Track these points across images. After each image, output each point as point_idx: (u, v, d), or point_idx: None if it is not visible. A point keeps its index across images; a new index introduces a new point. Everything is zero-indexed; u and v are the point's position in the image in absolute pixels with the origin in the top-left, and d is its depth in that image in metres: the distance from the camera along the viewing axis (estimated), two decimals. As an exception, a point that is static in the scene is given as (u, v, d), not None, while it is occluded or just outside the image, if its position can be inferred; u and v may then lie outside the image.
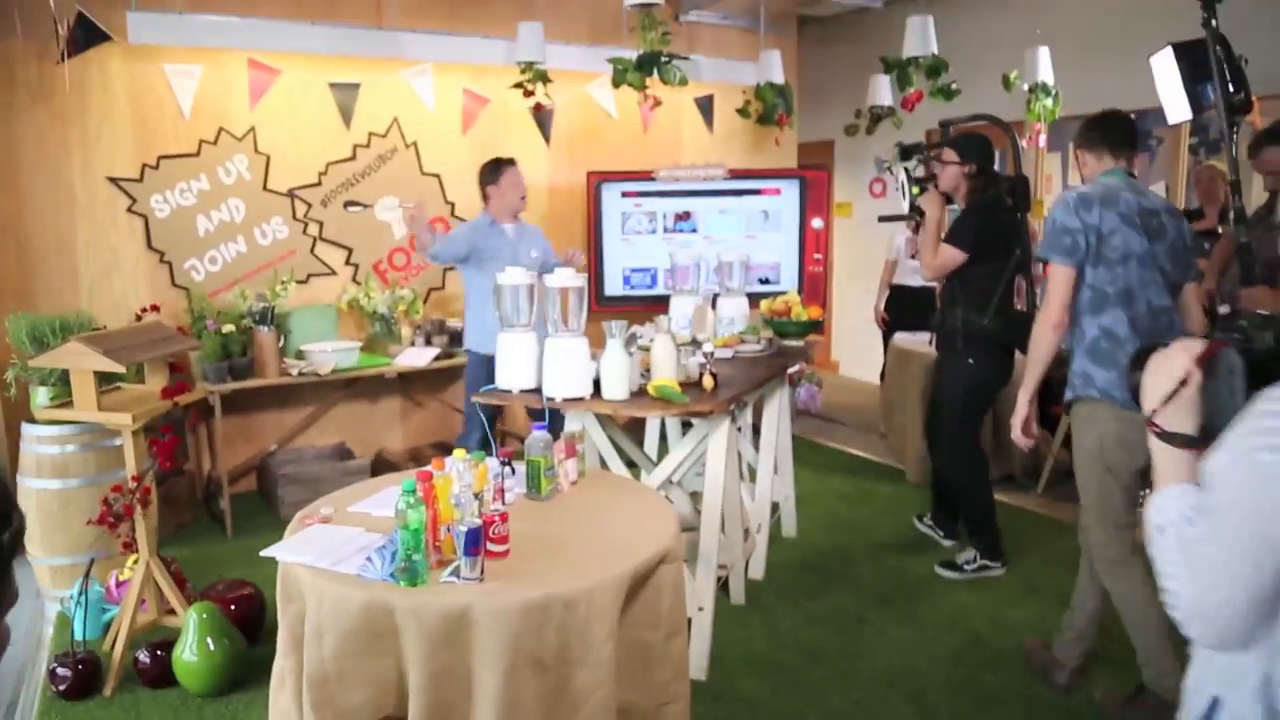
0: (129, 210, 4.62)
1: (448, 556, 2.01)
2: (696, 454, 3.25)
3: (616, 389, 2.92)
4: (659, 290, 5.59)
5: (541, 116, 5.51)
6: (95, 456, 3.62)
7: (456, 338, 5.14)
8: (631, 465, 3.53)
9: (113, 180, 4.57)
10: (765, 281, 5.75)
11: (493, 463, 2.49)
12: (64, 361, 3.00)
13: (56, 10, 4.04)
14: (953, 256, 3.72)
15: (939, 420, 4.06)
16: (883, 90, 5.82)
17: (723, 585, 3.54)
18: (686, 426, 3.71)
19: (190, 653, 2.96)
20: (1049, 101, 5.61)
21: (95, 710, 2.95)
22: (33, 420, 3.59)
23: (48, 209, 4.45)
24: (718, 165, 5.77)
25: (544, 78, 4.94)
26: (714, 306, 4.14)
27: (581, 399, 2.96)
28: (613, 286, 5.82)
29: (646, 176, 5.72)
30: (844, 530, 4.45)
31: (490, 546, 2.04)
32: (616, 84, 4.69)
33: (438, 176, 5.40)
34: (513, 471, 2.55)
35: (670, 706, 2.15)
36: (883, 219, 4.62)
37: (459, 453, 2.29)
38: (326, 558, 2.04)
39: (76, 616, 3.32)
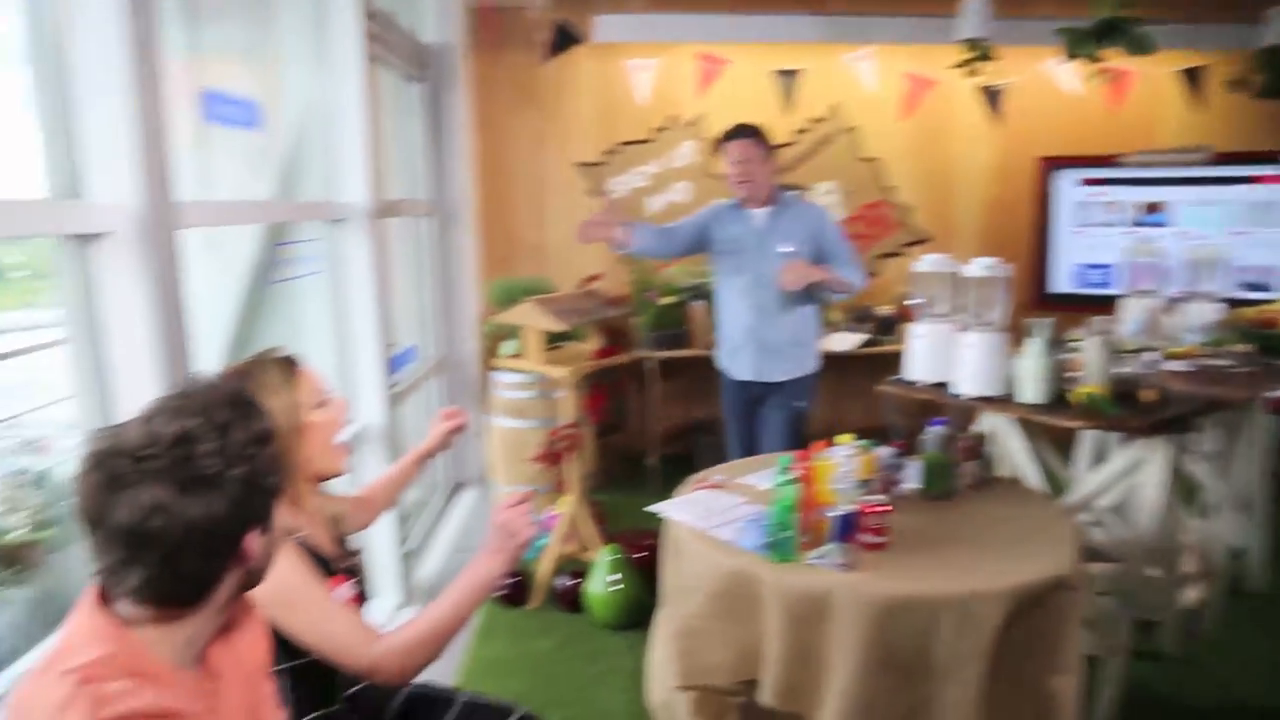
0: (590, 193, 5.22)
1: (822, 539, 2.00)
2: (1128, 477, 2.84)
3: (1031, 391, 2.65)
4: (1116, 290, 4.96)
5: (990, 96, 5.17)
6: (545, 404, 4.14)
7: (886, 325, 5.04)
8: (1054, 479, 3.19)
9: (580, 165, 5.20)
10: (1255, 288, 4.83)
11: (885, 453, 2.42)
12: (516, 318, 3.49)
13: (537, 22, 4.82)
14: None
15: None
16: None
17: (1156, 631, 3.07)
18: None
19: (598, 585, 3.31)
20: None
21: (519, 619, 3.43)
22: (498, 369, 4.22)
23: (524, 191, 5.21)
24: (1202, 148, 4.95)
25: (987, 55, 4.59)
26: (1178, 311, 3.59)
27: (991, 399, 2.73)
28: (1060, 282, 5.30)
29: (1110, 162, 5.09)
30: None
31: (865, 537, 1.99)
32: (1071, 56, 4.21)
33: (874, 161, 5.31)
34: (904, 464, 2.45)
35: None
36: None
37: (844, 438, 2.26)
38: (706, 520, 2.14)
39: (518, 538, 3.88)
